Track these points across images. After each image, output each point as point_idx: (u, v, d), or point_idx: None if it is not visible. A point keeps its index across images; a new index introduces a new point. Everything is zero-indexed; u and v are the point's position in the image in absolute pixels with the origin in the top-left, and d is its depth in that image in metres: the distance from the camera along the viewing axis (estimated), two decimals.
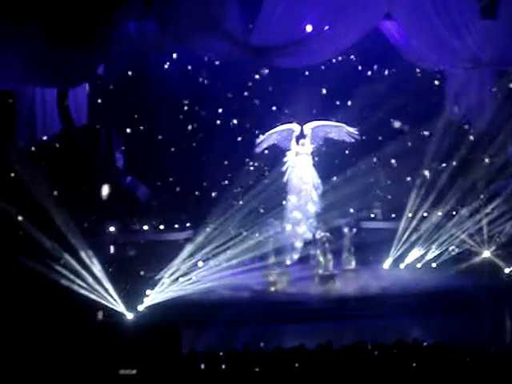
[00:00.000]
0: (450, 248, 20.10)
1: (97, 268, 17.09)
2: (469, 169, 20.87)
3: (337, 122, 20.46)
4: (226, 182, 22.29)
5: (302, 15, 18.27)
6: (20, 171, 18.26)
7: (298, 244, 20.23)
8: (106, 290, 16.73)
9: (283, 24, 18.07)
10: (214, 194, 22.22)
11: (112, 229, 20.51)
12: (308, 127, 20.12)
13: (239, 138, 22.16)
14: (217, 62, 20.96)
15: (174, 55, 21.08)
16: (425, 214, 20.63)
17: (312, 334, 15.14)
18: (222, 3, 17.51)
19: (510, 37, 18.51)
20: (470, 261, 19.89)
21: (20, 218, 17.75)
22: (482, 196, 20.37)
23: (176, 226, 21.43)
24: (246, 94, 22.32)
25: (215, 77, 21.85)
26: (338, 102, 22.03)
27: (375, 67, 22.37)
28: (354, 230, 20.51)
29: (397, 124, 21.75)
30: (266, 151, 20.40)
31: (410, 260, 20.43)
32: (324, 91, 22.35)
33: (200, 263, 19.07)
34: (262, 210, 21.06)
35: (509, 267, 19.51)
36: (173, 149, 22.14)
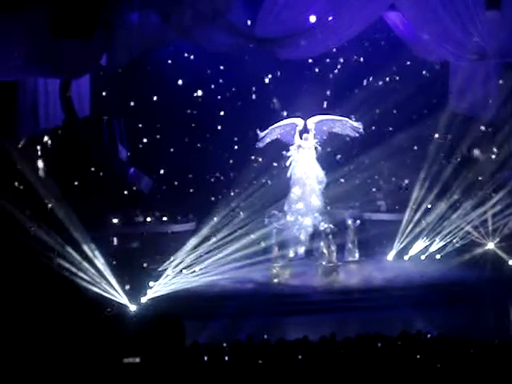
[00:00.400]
0: (454, 240, 20.05)
1: (100, 260, 17.07)
2: (473, 161, 20.82)
3: (340, 115, 20.38)
4: (230, 173, 22.22)
5: (305, 6, 18.24)
6: (22, 163, 18.22)
7: (303, 237, 20.19)
8: (109, 282, 16.71)
9: (287, 15, 18.04)
10: (217, 186, 22.16)
11: (115, 220, 20.48)
12: (311, 121, 20.05)
13: (243, 130, 22.06)
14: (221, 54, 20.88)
15: (178, 46, 20.96)
16: (429, 206, 20.56)
17: (315, 326, 15.12)
18: None
19: None
20: (474, 253, 19.84)
21: (22, 210, 17.71)
22: (486, 188, 20.30)
23: (179, 217, 21.38)
24: (251, 86, 22.18)
25: (219, 68, 21.74)
26: (341, 96, 21.89)
27: (379, 60, 22.21)
28: (358, 221, 20.48)
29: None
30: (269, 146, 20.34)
31: (414, 252, 20.40)
32: (328, 84, 22.23)
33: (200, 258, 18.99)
34: (265, 202, 20.98)
35: None
36: (176, 140, 22.05)
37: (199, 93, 22.02)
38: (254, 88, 22.06)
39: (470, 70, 19.70)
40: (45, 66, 17.21)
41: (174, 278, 18.04)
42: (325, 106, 21.30)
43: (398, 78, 22.04)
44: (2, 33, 16.33)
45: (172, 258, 18.78)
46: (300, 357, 10.70)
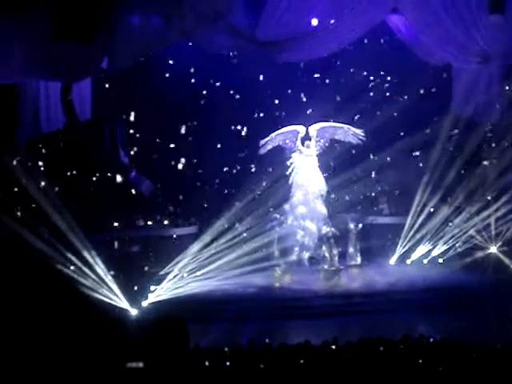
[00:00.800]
0: (457, 244, 19.99)
1: (100, 264, 17.00)
2: (477, 165, 20.76)
3: (342, 122, 20.32)
4: (233, 177, 22.18)
5: (307, 9, 18.21)
6: (23, 166, 18.18)
7: (307, 242, 20.02)
8: (109, 286, 16.65)
9: (289, 18, 18.01)
10: (219, 190, 22.12)
11: (116, 224, 20.42)
12: (313, 128, 19.94)
13: (244, 134, 22.04)
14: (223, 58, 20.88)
15: (180, 49, 20.94)
16: (431, 210, 20.51)
17: (317, 331, 15.06)
18: None
19: None
20: (477, 257, 19.78)
21: (21, 213, 17.68)
22: (489, 192, 20.24)
23: (180, 221, 21.33)
24: (254, 89, 22.13)
25: (221, 71, 21.71)
26: (343, 103, 21.84)
27: (381, 65, 22.19)
28: (360, 225, 20.40)
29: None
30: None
31: (417, 256, 20.33)
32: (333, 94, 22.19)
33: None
34: (267, 206, 20.92)
35: None
36: (178, 144, 22.04)
37: (201, 96, 21.99)
38: (258, 91, 22.01)
39: (474, 73, 19.64)
40: (45, 69, 17.18)
41: (175, 282, 17.99)
42: (327, 111, 21.26)
43: (400, 82, 22.00)
44: (2, 35, 16.31)
45: (173, 262, 18.72)
46: (302, 361, 10.64)
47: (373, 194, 22.30)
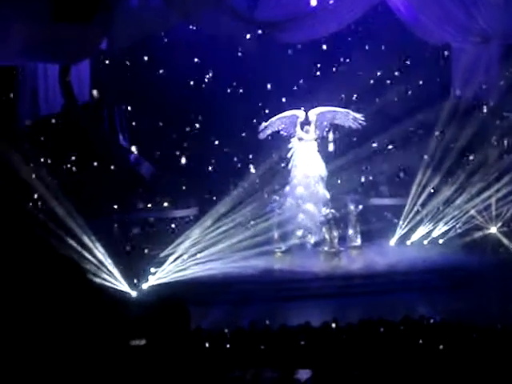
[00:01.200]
0: (457, 225, 19.97)
1: (99, 247, 16.97)
2: (478, 147, 20.71)
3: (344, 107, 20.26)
4: (233, 160, 22.13)
5: None
6: (22, 148, 18.11)
7: (309, 224, 19.96)
8: (109, 269, 16.64)
9: None
10: (219, 172, 22.07)
11: (115, 207, 20.37)
12: (313, 113, 19.88)
13: (246, 117, 21.95)
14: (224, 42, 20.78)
15: (179, 32, 20.83)
16: (432, 191, 20.47)
17: (317, 312, 15.07)
18: None
19: None
20: (477, 238, 19.77)
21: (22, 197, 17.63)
22: (490, 173, 20.19)
23: (180, 203, 21.28)
24: (255, 71, 22.02)
25: (222, 55, 21.60)
26: (342, 83, 21.75)
27: (382, 47, 22.07)
28: (360, 206, 20.37)
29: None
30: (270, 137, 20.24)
31: (417, 237, 20.31)
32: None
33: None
34: (267, 189, 20.89)
35: None
36: (178, 126, 21.97)
37: (201, 79, 21.91)
38: (258, 75, 21.89)
39: (473, 54, 19.57)
40: (44, 51, 17.09)
41: (175, 265, 17.98)
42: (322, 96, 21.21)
43: (401, 64, 21.93)
44: (1, 17, 16.21)
45: (173, 245, 18.71)
46: (302, 342, 10.66)
47: (372, 177, 22.22)
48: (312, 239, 19.83)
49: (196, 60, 21.48)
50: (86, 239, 16.93)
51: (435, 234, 20.16)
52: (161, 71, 21.39)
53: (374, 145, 21.77)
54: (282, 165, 20.54)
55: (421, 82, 21.78)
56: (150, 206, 20.94)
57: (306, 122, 19.88)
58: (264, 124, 19.72)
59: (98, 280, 16.03)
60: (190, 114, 22.03)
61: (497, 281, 17.07)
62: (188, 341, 9.74)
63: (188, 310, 10.68)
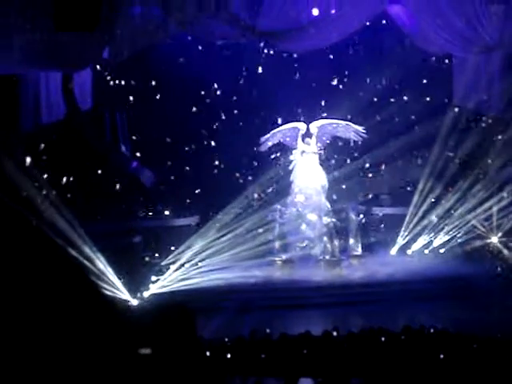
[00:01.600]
0: (458, 234, 19.99)
1: (99, 255, 16.96)
2: (481, 157, 20.73)
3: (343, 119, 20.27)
4: (234, 168, 22.15)
5: None
6: (23, 156, 18.14)
7: (312, 235, 19.94)
8: (109, 277, 16.62)
9: (289, 8, 17.95)
10: (220, 180, 22.07)
11: (116, 214, 20.38)
12: (314, 126, 19.90)
13: (248, 125, 21.97)
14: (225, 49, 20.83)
15: (181, 40, 20.86)
16: (433, 200, 20.50)
17: (318, 321, 15.09)
18: None
19: None
20: (478, 247, 19.79)
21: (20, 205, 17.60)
22: (492, 183, 20.21)
23: (181, 211, 21.31)
24: (256, 83, 22.05)
25: (224, 63, 21.63)
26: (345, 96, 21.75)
27: (383, 58, 22.10)
28: (361, 215, 20.39)
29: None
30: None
31: (418, 246, 20.33)
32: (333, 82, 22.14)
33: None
34: (269, 198, 20.90)
35: None
36: (179, 134, 21.98)
37: (203, 87, 21.93)
38: (259, 85, 21.91)
39: (475, 64, 19.59)
40: (46, 60, 17.12)
41: (176, 273, 17.99)
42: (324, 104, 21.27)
43: (401, 73, 21.94)
44: (2, 26, 16.26)
45: (174, 253, 18.72)
46: (303, 351, 10.65)
47: (375, 185, 22.25)
48: (314, 249, 19.81)
49: (198, 69, 21.47)
50: (85, 247, 16.92)
51: (436, 243, 20.18)
52: (162, 80, 21.39)
53: (375, 155, 21.77)
54: (283, 175, 20.52)
55: (421, 93, 21.78)
56: (150, 214, 20.96)
57: (307, 135, 19.89)
58: (265, 136, 19.76)
59: (99, 287, 16.04)
60: (193, 122, 22.02)
61: (497, 290, 17.09)
62: (193, 349, 9.72)
63: (194, 318, 10.65)
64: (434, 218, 20.28)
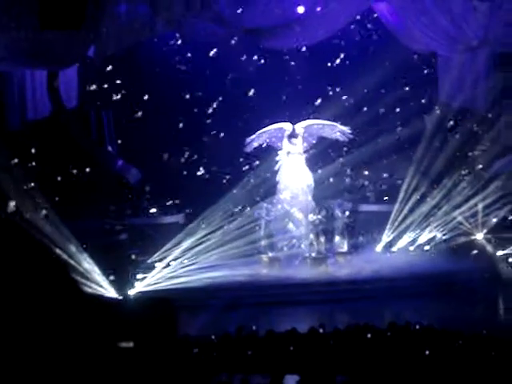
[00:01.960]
0: (443, 232, 20.06)
1: (85, 253, 16.93)
2: (466, 154, 20.82)
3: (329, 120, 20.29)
4: (220, 166, 22.14)
5: None
6: (9, 154, 18.08)
7: (299, 233, 19.96)
8: (96, 275, 16.60)
9: (275, 5, 17.97)
10: (206, 178, 22.06)
11: (102, 212, 20.32)
12: (300, 126, 19.93)
13: (234, 124, 21.96)
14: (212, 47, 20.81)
15: (167, 38, 20.82)
16: (418, 198, 20.55)
17: (304, 317, 15.12)
18: None
19: (504, 19, 18.45)
20: (463, 244, 19.87)
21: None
22: (477, 179, 20.29)
23: (167, 209, 21.28)
24: (243, 78, 22.04)
25: (210, 61, 21.60)
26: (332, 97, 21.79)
27: (368, 56, 22.12)
28: (347, 212, 20.42)
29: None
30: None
31: (403, 243, 20.38)
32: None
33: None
34: (254, 196, 20.89)
35: (501, 250, 19.50)
36: (165, 132, 21.95)
37: (189, 86, 21.91)
38: (247, 82, 21.89)
39: (460, 62, 19.67)
40: (32, 58, 17.08)
41: (162, 271, 17.97)
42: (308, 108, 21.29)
43: (387, 72, 21.98)
44: None
45: (161, 251, 18.70)
46: (289, 348, 10.68)
47: (360, 182, 22.28)
48: (300, 247, 19.83)
49: (184, 68, 21.45)
50: (70, 245, 16.89)
51: (421, 240, 20.24)
52: (150, 77, 21.34)
53: (361, 152, 21.81)
54: (269, 175, 20.53)
55: (407, 90, 21.81)
56: (136, 212, 20.93)
57: (293, 135, 19.90)
58: (251, 137, 19.77)
59: (84, 285, 16.04)
60: (179, 120, 21.99)
61: (482, 287, 17.17)
62: (175, 345, 9.76)
63: (176, 314, 10.69)
64: (419, 214, 20.34)
